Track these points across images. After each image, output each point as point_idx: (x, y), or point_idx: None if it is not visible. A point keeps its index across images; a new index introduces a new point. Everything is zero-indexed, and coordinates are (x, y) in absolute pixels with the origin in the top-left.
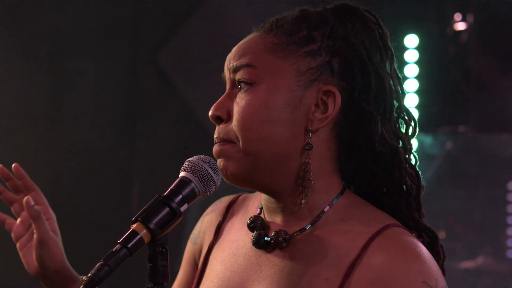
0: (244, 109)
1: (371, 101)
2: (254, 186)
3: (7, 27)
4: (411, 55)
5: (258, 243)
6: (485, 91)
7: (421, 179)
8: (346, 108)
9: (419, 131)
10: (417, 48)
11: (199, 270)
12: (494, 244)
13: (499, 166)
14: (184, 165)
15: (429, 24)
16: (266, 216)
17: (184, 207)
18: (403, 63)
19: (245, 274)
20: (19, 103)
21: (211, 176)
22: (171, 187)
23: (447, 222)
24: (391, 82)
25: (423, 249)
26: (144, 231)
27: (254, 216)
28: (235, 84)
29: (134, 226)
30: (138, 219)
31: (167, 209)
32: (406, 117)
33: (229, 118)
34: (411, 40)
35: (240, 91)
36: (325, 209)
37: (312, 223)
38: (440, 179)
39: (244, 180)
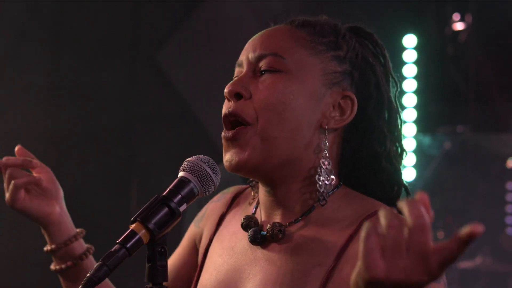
0: (269, 90)
1: (381, 120)
2: (259, 177)
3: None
4: (410, 55)
5: (255, 240)
6: (483, 91)
7: None
8: (357, 119)
9: (417, 130)
10: (415, 48)
11: (199, 262)
12: (492, 244)
13: (498, 166)
14: (183, 165)
15: (427, 24)
16: (262, 211)
17: (183, 207)
18: (401, 63)
19: (241, 269)
20: (18, 100)
21: (210, 176)
22: (170, 187)
23: (445, 222)
24: (398, 109)
25: None
26: (143, 231)
27: (247, 215)
28: (256, 70)
29: (133, 226)
30: (137, 219)
31: (166, 209)
32: (400, 146)
33: (249, 96)
34: (410, 40)
35: (263, 73)
36: (321, 202)
37: (306, 213)
38: (439, 179)
39: (251, 171)
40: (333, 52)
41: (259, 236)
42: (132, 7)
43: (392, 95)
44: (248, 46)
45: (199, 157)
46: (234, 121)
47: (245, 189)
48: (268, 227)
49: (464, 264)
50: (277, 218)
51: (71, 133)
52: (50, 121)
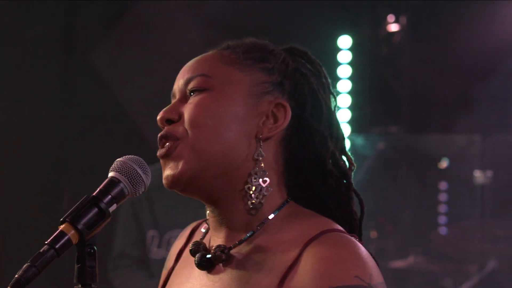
0: (197, 106)
1: (322, 124)
2: (196, 192)
3: None
4: (344, 56)
5: (201, 264)
6: (416, 92)
7: (364, 206)
8: (295, 126)
9: (351, 131)
10: (350, 49)
11: None
12: (425, 243)
13: (431, 166)
14: (113, 165)
15: (362, 25)
16: (210, 235)
17: (113, 208)
18: (336, 64)
19: None
20: None
21: (141, 176)
22: (100, 187)
23: (378, 222)
24: (339, 123)
25: (360, 248)
26: (72, 231)
27: (195, 241)
28: (186, 94)
29: (62, 226)
30: (66, 219)
31: (96, 209)
32: (347, 157)
33: (179, 119)
34: (345, 41)
35: (190, 93)
36: (264, 221)
37: (250, 235)
38: (372, 179)
39: (187, 184)
40: (260, 64)
41: (204, 259)
42: (66, 7)
43: (331, 106)
44: (179, 75)
45: (129, 157)
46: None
47: (202, 222)
48: (211, 251)
49: (396, 263)
50: (222, 240)
51: (1, 131)
52: None
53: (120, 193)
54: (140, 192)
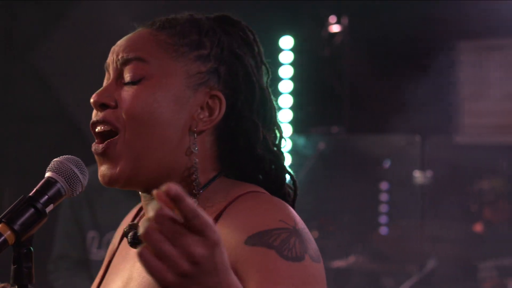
0: (134, 98)
1: (253, 111)
2: (135, 186)
3: None
4: (286, 57)
5: (134, 242)
6: (358, 92)
7: (297, 187)
8: (228, 114)
9: (293, 131)
10: (292, 50)
11: (99, 276)
12: (366, 243)
13: (372, 166)
14: (50, 165)
15: (304, 26)
16: (145, 215)
17: (49, 208)
18: (278, 64)
19: (128, 276)
20: None
21: (77, 176)
22: (37, 187)
23: (320, 222)
24: (271, 96)
25: (281, 201)
26: (8, 232)
27: (130, 223)
28: (121, 75)
29: None
30: (2, 220)
31: (32, 210)
32: (279, 131)
33: (115, 105)
34: (286, 42)
35: (127, 82)
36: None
37: None
38: (313, 179)
39: (126, 182)
40: (196, 52)
41: (136, 237)
42: (6, 6)
43: (264, 83)
44: (113, 49)
45: (67, 157)
46: (103, 132)
47: None
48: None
49: (337, 263)
50: None
51: None
52: None
53: (57, 193)
54: (78, 192)
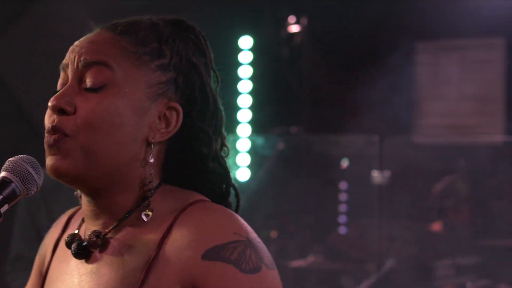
0: (94, 107)
1: (206, 122)
2: (81, 186)
3: None
4: (245, 56)
5: (78, 253)
6: (317, 92)
7: (240, 199)
8: (182, 124)
9: (252, 131)
10: (251, 50)
11: None
12: (325, 243)
13: (331, 166)
14: (5, 165)
15: (263, 26)
16: (87, 225)
17: (4, 208)
18: (237, 64)
19: None
20: None
21: (33, 176)
22: None
23: (279, 222)
24: (221, 105)
25: (231, 211)
26: None
27: (70, 233)
28: (82, 79)
29: None
30: None
31: None
32: (223, 141)
33: (74, 111)
34: (246, 42)
35: (89, 88)
36: (138, 205)
37: (122, 219)
38: (272, 179)
39: (73, 180)
40: (157, 61)
41: (81, 248)
42: None
43: (215, 91)
44: (73, 49)
45: (21, 157)
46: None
47: (77, 210)
48: (87, 237)
49: (296, 263)
50: (99, 228)
51: None
52: None
53: (12, 193)
54: (33, 192)
